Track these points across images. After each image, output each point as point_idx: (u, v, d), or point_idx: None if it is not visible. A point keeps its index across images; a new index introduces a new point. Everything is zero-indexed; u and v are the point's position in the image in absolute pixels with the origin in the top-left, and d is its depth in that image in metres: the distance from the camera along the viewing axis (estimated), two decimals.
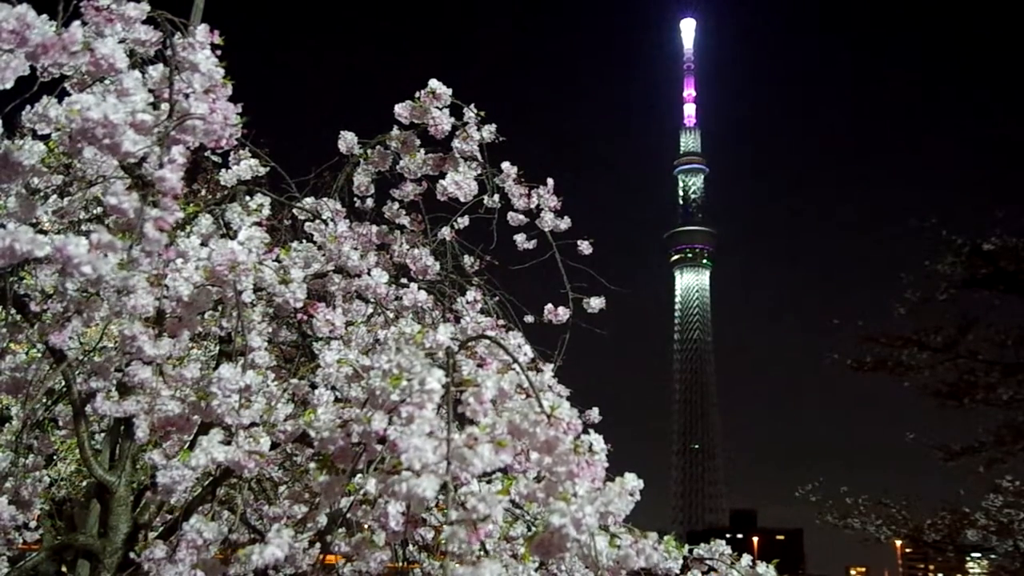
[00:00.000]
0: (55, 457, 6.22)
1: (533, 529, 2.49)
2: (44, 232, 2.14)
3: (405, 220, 3.90)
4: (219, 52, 2.38)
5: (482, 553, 2.01)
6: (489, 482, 2.07)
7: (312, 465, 2.69)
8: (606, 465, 2.11)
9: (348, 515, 2.66)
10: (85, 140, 2.00)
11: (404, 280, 3.53)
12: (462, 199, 3.61)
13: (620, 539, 2.37)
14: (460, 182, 3.56)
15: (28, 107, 2.40)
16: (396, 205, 3.88)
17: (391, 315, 3.40)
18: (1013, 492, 16.29)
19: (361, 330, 3.12)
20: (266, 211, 3.31)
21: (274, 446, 2.73)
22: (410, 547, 4.02)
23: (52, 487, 6.31)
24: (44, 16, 2.04)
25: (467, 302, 3.69)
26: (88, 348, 3.34)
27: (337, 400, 2.69)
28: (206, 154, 3.11)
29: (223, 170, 3.62)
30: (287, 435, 2.75)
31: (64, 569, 5.34)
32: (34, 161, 2.22)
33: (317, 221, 3.37)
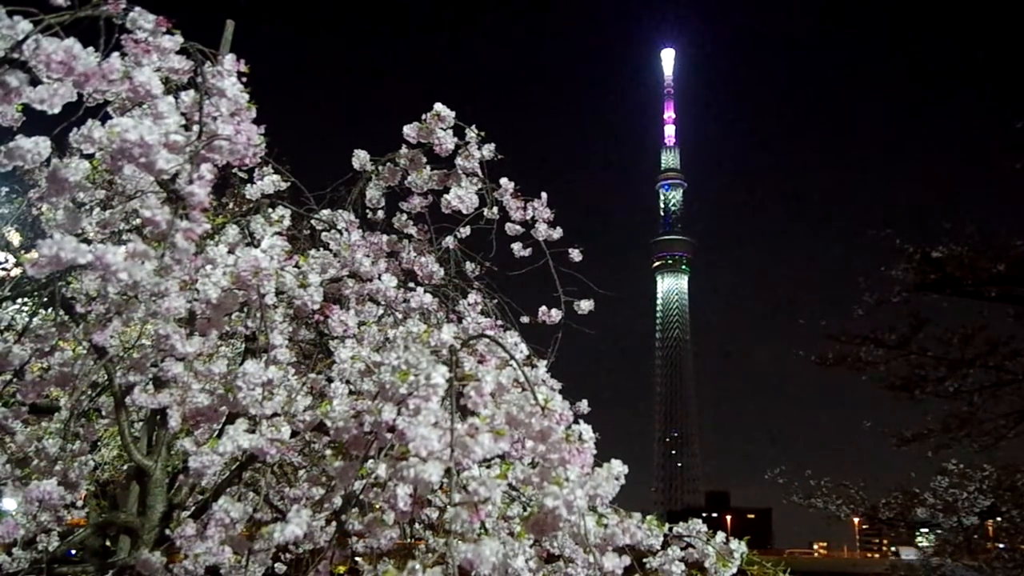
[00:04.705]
0: (99, 443, 6.19)
1: (528, 509, 2.47)
2: (88, 241, 2.12)
3: (412, 230, 3.89)
4: (244, 79, 2.37)
5: (482, 532, 1.99)
6: (489, 467, 2.06)
7: (328, 451, 2.67)
8: (594, 452, 2.10)
9: (361, 496, 2.65)
10: (124, 159, 1.99)
11: (411, 284, 3.51)
12: (464, 211, 3.60)
13: (607, 519, 2.36)
14: (462, 196, 3.56)
15: (75, 129, 2.39)
16: (404, 216, 3.86)
17: (400, 316, 3.38)
18: (957, 474, 16.33)
19: (372, 329, 3.11)
20: (287, 222, 3.30)
21: (294, 434, 2.72)
22: (417, 526, 4.00)
23: (96, 470, 6.28)
24: (90, 48, 2.04)
25: (468, 304, 3.68)
26: (127, 346, 3.33)
27: (351, 393, 2.68)
28: (233, 170, 3.10)
29: (248, 185, 3.61)
30: (306, 424, 2.73)
31: (108, 543, 5.32)
32: (79, 177, 2.22)
33: (333, 231, 3.35)
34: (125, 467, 5.93)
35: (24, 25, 1.98)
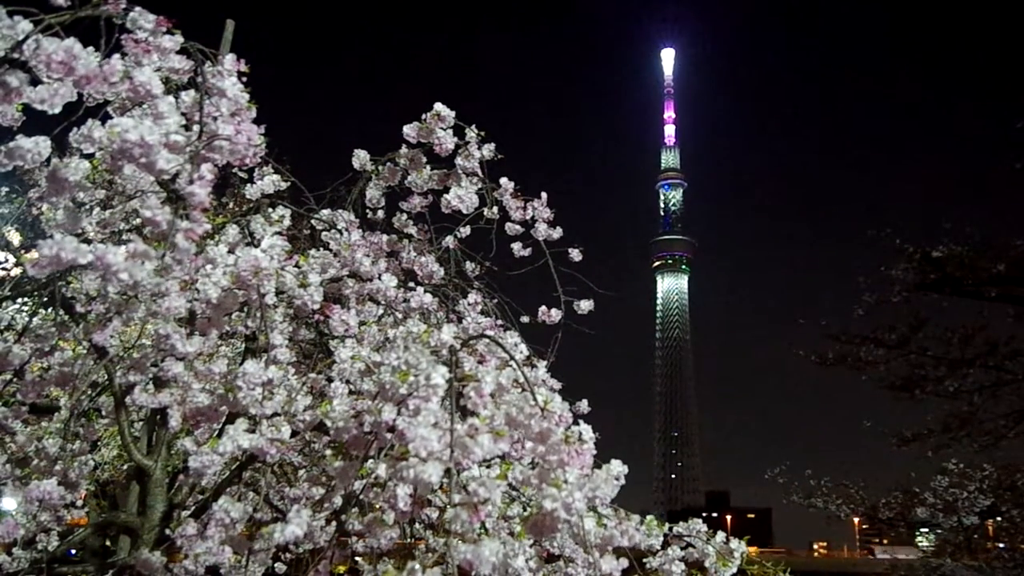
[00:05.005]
0: (99, 443, 6.19)
1: (528, 509, 2.47)
2: (88, 241, 2.12)
3: (412, 230, 3.89)
4: (244, 79, 2.37)
5: (482, 532, 1.99)
6: (489, 468, 2.06)
7: (328, 451, 2.67)
8: (594, 452, 2.10)
9: (361, 496, 2.65)
10: (124, 159, 1.99)
11: (411, 284, 3.51)
12: (464, 211, 3.60)
13: (607, 520, 2.36)
14: (462, 196, 3.56)
15: (75, 129, 2.38)
16: (404, 216, 3.86)
17: (400, 316, 3.38)
18: (957, 474, 16.36)
19: (372, 329, 3.11)
20: (287, 222, 3.30)
21: (294, 434, 2.72)
22: (417, 525, 4.00)
23: (96, 470, 6.28)
24: (90, 48, 2.04)
25: (468, 304, 3.68)
26: (127, 345, 3.33)
27: (351, 393, 2.67)
28: (233, 170, 3.10)
29: (248, 185, 3.61)
30: (306, 424, 2.73)
31: (108, 543, 5.32)
32: (79, 177, 2.21)
33: (333, 231, 3.35)
34: (125, 467, 5.93)
35: (24, 25, 1.98)
